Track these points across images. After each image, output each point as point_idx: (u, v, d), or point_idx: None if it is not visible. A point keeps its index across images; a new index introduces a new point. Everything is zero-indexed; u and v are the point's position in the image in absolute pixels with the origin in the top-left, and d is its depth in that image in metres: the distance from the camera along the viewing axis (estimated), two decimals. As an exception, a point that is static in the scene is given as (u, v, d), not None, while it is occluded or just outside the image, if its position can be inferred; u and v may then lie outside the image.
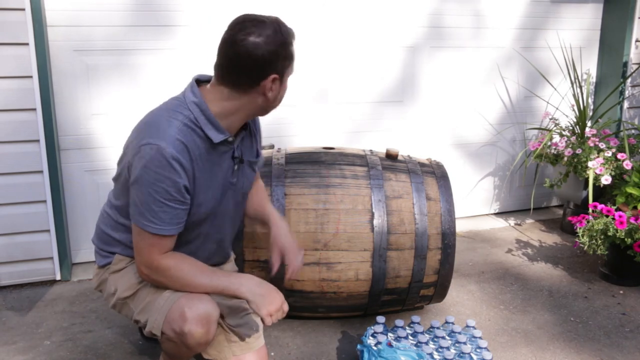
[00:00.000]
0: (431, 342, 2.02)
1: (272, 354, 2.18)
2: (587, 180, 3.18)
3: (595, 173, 3.10)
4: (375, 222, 2.17)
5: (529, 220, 3.73)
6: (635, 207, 2.85)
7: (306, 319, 2.39)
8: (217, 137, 1.53)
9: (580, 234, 2.75)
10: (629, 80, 3.69)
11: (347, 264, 2.17)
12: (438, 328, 2.09)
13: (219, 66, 1.50)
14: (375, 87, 3.32)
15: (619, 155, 3.12)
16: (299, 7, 3.05)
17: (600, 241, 2.68)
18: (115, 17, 2.73)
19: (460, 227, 3.53)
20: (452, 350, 1.96)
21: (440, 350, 1.95)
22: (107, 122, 2.83)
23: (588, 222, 2.75)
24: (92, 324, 2.38)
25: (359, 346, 2.04)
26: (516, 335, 2.35)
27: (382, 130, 3.39)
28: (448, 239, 2.24)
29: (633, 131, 3.68)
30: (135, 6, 2.75)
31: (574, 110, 3.55)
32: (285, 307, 1.59)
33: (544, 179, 3.59)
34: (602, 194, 3.32)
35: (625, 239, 2.60)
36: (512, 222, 3.70)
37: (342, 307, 2.30)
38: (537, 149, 3.41)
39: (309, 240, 2.14)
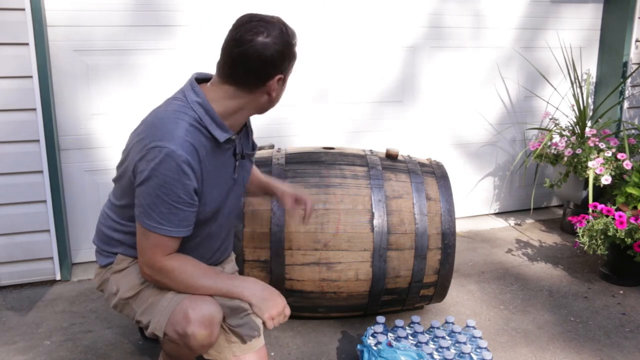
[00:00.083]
0: (431, 342, 2.02)
1: (272, 354, 2.18)
2: (587, 180, 3.18)
3: (595, 173, 3.10)
4: (375, 222, 2.17)
5: (529, 220, 3.73)
6: (635, 207, 2.85)
7: (306, 319, 2.39)
8: (222, 136, 1.52)
9: (580, 234, 2.75)
10: (629, 80, 3.69)
11: (347, 264, 2.17)
12: (438, 328, 2.09)
13: (223, 65, 1.49)
14: (375, 87, 3.32)
15: (619, 155, 3.12)
16: (299, 7, 3.05)
17: (600, 241, 2.68)
18: (115, 17, 2.73)
19: (460, 227, 3.53)
20: (452, 350, 1.96)
21: (440, 350, 1.95)
22: (107, 122, 2.83)
23: (588, 222, 2.75)
24: (92, 324, 2.38)
25: (359, 346, 2.04)
26: (516, 335, 2.35)
27: (382, 130, 3.40)
28: (448, 239, 2.24)
29: (633, 131, 3.68)
30: (135, 6, 2.75)
31: (574, 110, 3.55)
32: (287, 311, 1.59)
33: (544, 179, 3.59)
34: (602, 194, 3.32)
35: (625, 239, 2.60)
36: (512, 222, 3.70)
37: (342, 307, 2.30)
38: (537, 149, 3.41)
39: (309, 240, 2.14)
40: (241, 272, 2.15)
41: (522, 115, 3.74)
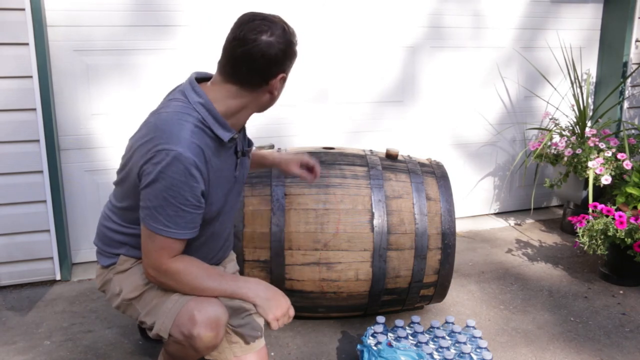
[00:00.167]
0: (431, 342, 2.02)
1: (272, 354, 2.18)
2: (587, 180, 3.18)
3: (595, 173, 3.10)
4: (375, 222, 2.17)
5: (529, 220, 3.73)
6: (635, 207, 2.85)
7: (306, 319, 2.39)
8: (225, 136, 1.52)
9: (580, 234, 2.75)
10: (629, 80, 3.69)
11: (347, 264, 2.17)
12: (438, 328, 2.09)
13: (225, 64, 1.48)
14: (375, 87, 3.32)
15: (619, 155, 3.12)
16: (299, 7, 3.05)
17: (600, 241, 2.68)
18: (115, 17, 2.73)
19: (460, 227, 3.53)
20: (452, 350, 1.96)
21: (440, 350, 1.95)
22: (107, 122, 2.83)
23: (588, 222, 2.75)
24: (92, 324, 2.38)
25: (359, 346, 2.04)
26: (516, 335, 2.35)
27: (382, 130, 3.40)
28: (448, 239, 2.24)
29: (633, 131, 3.68)
30: (135, 6, 2.75)
31: (574, 110, 3.55)
32: (292, 312, 1.58)
33: (544, 179, 3.59)
34: (602, 194, 3.32)
35: (625, 239, 2.60)
36: (512, 222, 3.70)
37: (342, 307, 2.30)
38: (537, 149, 3.41)
39: (309, 240, 2.14)
40: (241, 272, 2.16)
41: (522, 115, 3.74)
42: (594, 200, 3.06)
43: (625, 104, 3.76)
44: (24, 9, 2.42)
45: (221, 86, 1.51)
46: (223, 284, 1.55)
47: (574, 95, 3.46)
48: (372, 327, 2.05)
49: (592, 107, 3.81)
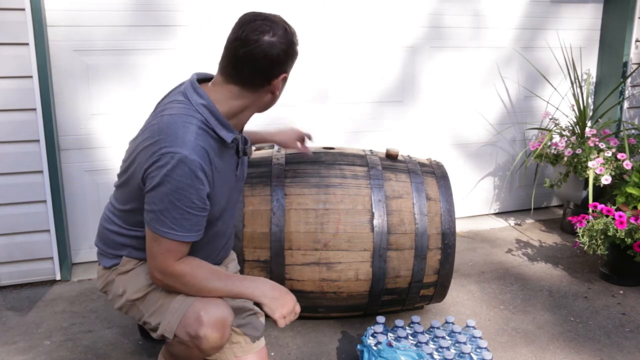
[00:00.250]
0: (431, 342, 2.02)
1: (272, 354, 2.18)
2: (587, 180, 3.18)
3: (595, 173, 3.10)
4: (375, 222, 2.17)
5: (529, 220, 3.73)
6: (635, 207, 2.85)
7: (306, 319, 2.39)
8: (228, 137, 1.52)
9: (580, 234, 2.75)
10: (629, 80, 3.69)
11: (347, 264, 2.17)
12: (438, 328, 2.09)
13: (227, 65, 1.48)
14: (375, 87, 3.32)
15: (619, 155, 3.12)
16: (299, 7, 3.05)
17: (600, 241, 2.68)
18: (115, 17, 2.73)
19: (460, 227, 3.53)
20: (452, 350, 1.96)
21: (440, 350, 1.95)
22: (107, 122, 2.83)
23: (588, 222, 2.75)
24: (92, 324, 2.38)
25: (359, 346, 2.04)
26: (516, 335, 2.35)
27: (382, 130, 3.40)
28: (448, 239, 2.24)
29: (633, 131, 3.68)
30: (135, 6, 2.75)
31: (574, 110, 3.55)
32: (298, 309, 1.59)
33: (544, 179, 3.59)
34: (602, 194, 3.32)
35: (625, 239, 2.60)
36: (512, 222, 3.70)
37: (342, 307, 2.30)
38: (537, 149, 3.42)
39: (309, 240, 2.14)
40: (241, 272, 2.15)
41: (522, 115, 3.74)
42: (594, 200, 3.06)
43: (625, 104, 3.76)
44: (24, 9, 2.42)
45: (223, 87, 1.50)
46: (229, 285, 1.55)
47: (574, 95, 3.46)
48: (372, 327, 2.06)
49: (592, 107, 3.81)
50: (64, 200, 2.77)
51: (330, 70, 3.19)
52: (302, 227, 2.15)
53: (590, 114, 3.67)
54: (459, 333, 2.03)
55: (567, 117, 3.67)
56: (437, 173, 2.35)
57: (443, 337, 2.01)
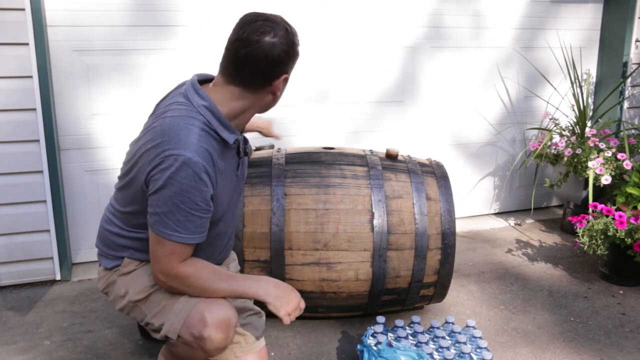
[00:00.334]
0: (431, 342, 2.02)
1: (272, 354, 2.18)
2: (587, 180, 3.18)
3: (595, 173, 3.10)
4: (375, 222, 2.17)
5: (529, 220, 3.73)
6: (635, 207, 2.85)
7: (306, 319, 2.39)
8: (230, 138, 1.52)
9: (580, 234, 2.75)
10: (629, 80, 3.69)
11: (347, 264, 2.17)
12: (438, 328, 2.09)
13: (228, 66, 1.47)
14: (375, 87, 3.32)
15: (619, 155, 3.12)
16: (299, 7, 3.05)
17: (600, 241, 2.68)
18: (115, 17, 2.73)
19: (460, 227, 3.53)
20: (452, 350, 1.96)
21: (440, 350, 1.95)
22: (107, 122, 2.83)
23: (588, 222, 2.75)
24: (92, 324, 2.38)
25: (359, 346, 2.04)
26: (516, 335, 2.35)
27: (382, 130, 3.40)
28: (448, 239, 2.24)
29: (633, 131, 3.68)
30: (135, 6, 2.75)
31: (574, 110, 3.55)
32: (302, 304, 1.59)
33: (544, 179, 3.59)
34: (602, 194, 3.32)
35: (625, 239, 2.60)
36: (512, 222, 3.70)
37: (342, 307, 2.30)
38: (537, 149, 3.42)
39: (309, 240, 2.14)
40: (241, 272, 2.15)
41: (522, 115, 3.74)
42: (594, 200, 3.06)
43: (625, 104, 3.76)
44: (24, 9, 2.42)
45: (224, 88, 1.50)
46: (233, 285, 1.54)
47: (574, 95, 3.46)
48: (372, 327, 2.06)
49: (592, 107, 3.81)
50: (64, 200, 2.77)
51: (330, 70, 3.19)
52: (302, 227, 2.15)
53: (590, 114, 3.67)
54: (459, 333, 2.03)
55: (567, 117, 3.67)
56: (437, 173, 2.35)
57: (443, 337, 2.01)
